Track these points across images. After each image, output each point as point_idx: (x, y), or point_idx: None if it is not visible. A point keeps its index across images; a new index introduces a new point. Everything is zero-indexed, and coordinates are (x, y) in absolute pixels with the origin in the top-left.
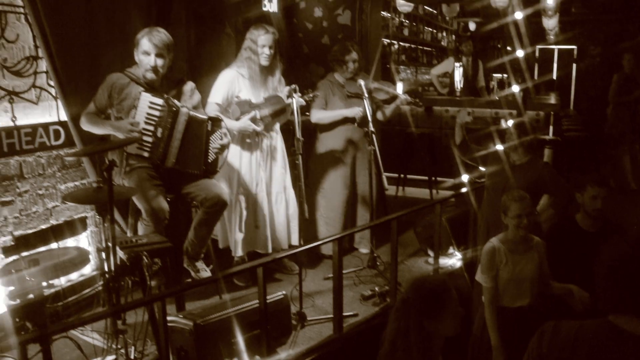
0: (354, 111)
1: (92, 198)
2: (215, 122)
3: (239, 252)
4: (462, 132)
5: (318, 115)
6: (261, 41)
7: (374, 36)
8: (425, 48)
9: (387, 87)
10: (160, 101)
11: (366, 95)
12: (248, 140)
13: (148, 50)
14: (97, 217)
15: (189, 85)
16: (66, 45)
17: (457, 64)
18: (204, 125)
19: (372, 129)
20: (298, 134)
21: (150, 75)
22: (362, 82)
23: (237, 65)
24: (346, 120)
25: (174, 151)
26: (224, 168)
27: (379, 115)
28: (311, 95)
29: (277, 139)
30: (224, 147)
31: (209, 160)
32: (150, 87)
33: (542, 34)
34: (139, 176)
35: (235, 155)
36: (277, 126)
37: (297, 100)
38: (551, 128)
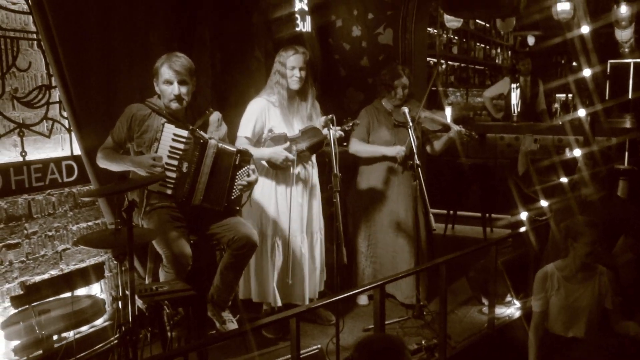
0: (396, 150)
1: (109, 242)
2: (244, 155)
3: (277, 301)
4: (527, 161)
5: (356, 148)
6: (290, 62)
7: (420, 56)
8: (477, 67)
9: (438, 117)
10: (185, 133)
11: (410, 124)
12: (282, 174)
13: (170, 78)
14: (113, 261)
15: (215, 115)
16: (82, 73)
17: (513, 85)
18: (233, 158)
19: (417, 161)
20: (335, 169)
21: (175, 105)
22: (405, 110)
23: (267, 93)
24: (386, 159)
25: (202, 187)
26: (256, 206)
27: (430, 148)
28: (350, 124)
29: (313, 173)
30: (250, 184)
31: (232, 197)
32: (173, 118)
33: (615, 47)
34: (160, 217)
35: (269, 192)
36: (314, 158)
37: (334, 132)
38: (626, 156)
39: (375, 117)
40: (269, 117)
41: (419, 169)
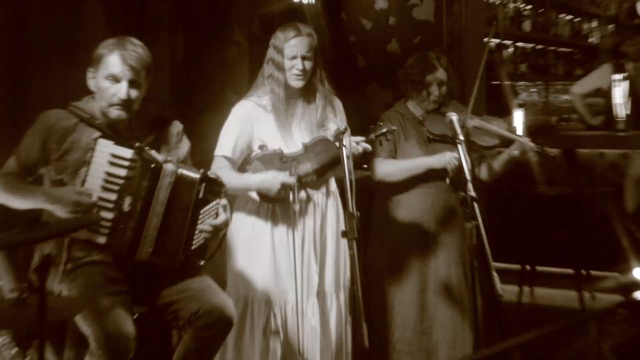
0: (445, 159)
1: (8, 319)
2: (211, 185)
3: None
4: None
5: (387, 169)
6: (290, 48)
7: (473, 37)
8: (561, 50)
9: (494, 126)
10: (129, 153)
11: (461, 137)
12: (282, 210)
13: (118, 74)
14: (12, 349)
15: (174, 127)
16: None
17: (617, 76)
18: (194, 189)
19: (472, 192)
20: (351, 205)
21: (117, 113)
22: (453, 117)
23: (256, 93)
24: (430, 177)
25: (152, 234)
26: (241, 258)
27: (482, 172)
28: (383, 130)
29: (328, 207)
30: (217, 230)
31: (193, 247)
32: (112, 131)
33: None
34: (88, 279)
35: (262, 236)
36: (332, 182)
37: (350, 147)
38: None
39: (400, 127)
40: (258, 128)
41: (476, 203)
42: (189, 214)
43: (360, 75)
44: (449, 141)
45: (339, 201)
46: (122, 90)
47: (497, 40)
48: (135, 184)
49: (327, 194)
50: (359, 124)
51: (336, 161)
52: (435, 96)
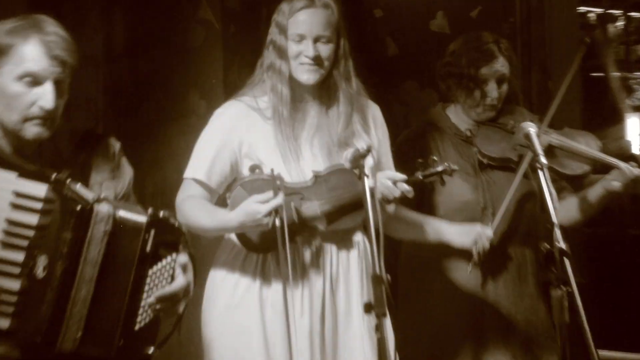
0: (471, 236)
1: None
2: (164, 231)
3: None
4: None
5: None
6: (296, 25)
7: (561, 6)
8: None
9: (582, 145)
10: (41, 190)
11: (544, 160)
12: (274, 261)
13: (40, 71)
14: None
15: (110, 148)
16: None
17: None
18: (138, 239)
19: (562, 243)
20: (379, 265)
21: (35, 131)
22: (531, 130)
23: (252, 92)
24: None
25: (81, 311)
26: (218, 348)
27: (564, 213)
28: (438, 169)
29: (352, 263)
30: (174, 299)
31: (137, 328)
32: (18, 156)
33: None
34: None
35: (248, 310)
36: (358, 233)
37: (371, 184)
38: None
39: (437, 145)
40: (250, 141)
41: (567, 258)
42: (131, 277)
43: (391, 67)
44: (513, 168)
45: (369, 257)
46: (47, 95)
47: (599, 10)
48: (52, 237)
49: (348, 245)
50: (390, 141)
51: (359, 204)
52: (493, 98)
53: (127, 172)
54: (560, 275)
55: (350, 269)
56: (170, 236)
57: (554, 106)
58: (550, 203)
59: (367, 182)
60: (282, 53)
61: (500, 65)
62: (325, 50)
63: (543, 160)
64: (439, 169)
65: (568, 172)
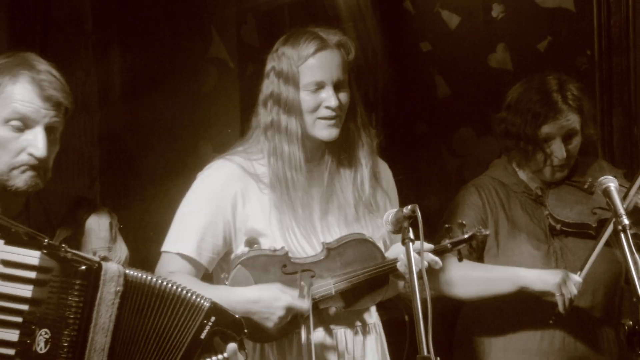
0: (556, 279)
1: None
2: (224, 322)
3: None
4: None
5: (460, 276)
6: (311, 72)
7: None
8: None
9: None
10: (34, 258)
11: (626, 221)
12: (274, 355)
13: (32, 114)
14: None
15: (103, 219)
16: None
17: None
18: (195, 320)
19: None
20: (426, 346)
21: (28, 180)
22: (612, 185)
23: (245, 150)
24: (552, 303)
25: None
26: None
27: None
28: (466, 236)
29: (368, 349)
30: None
31: None
32: (4, 218)
33: None
34: None
35: None
36: (372, 310)
37: (416, 253)
38: None
39: (500, 207)
40: (245, 213)
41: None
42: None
43: (442, 111)
44: (591, 234)
45: (383, 340)
46: (38, 142)
47: None
48: (53, 306)
49: (364, 330)
50: (440, 199)
51: (382, 279)
52: (560, 159)
53: (123, 249)
54: None
55: (366, 356)
56: (230, 330)
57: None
58: (634, 272)
59: (412, 252)
60: (290, 108)
61: (566, 119)
62: (344, 98)
63: (625, 221)
64: (468, 235)
65: None
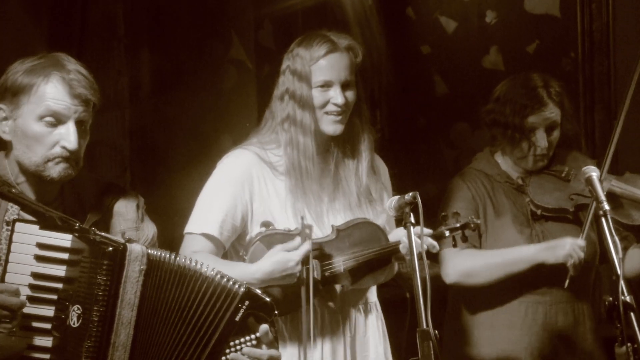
0: (564, 250)
1: None
2: (257, 305)
3: None
4: None
5: (468, 265)
6: (321, 72)
7: (630, 39)
8: None
9: None
10: (66, 240)
11: (607, 206)
12: (289, 331)
13: (63, 111)
14: None
15: (131, 202)
16: None
17: None
18: (232, 304)
19: (626, 296)
20: (426, 320)
21: (60, 170)
22: (594, 175)
23: (260, 141)
24: (539, 279)
25: (122, 358)
26: None
27: (627, 265)
28: (460, 223)
29: (370, 327)
30: None
31: None
32: (39, 204)
33: None
34: None
35: None
36: (372, 291)
37: (417, 237)
38: None
39: (487, 196)
40: (261, 196)
41: (632, 312)
42: (213, 336)
43: (440, 108)
44: (569, 219)
45: (382, 318)
46: (69, 135)
47: None
48: (85, 284)
49: (366, 309)
50: (438, 188)
51: (385, 260)
52: (542, 148)
53: (150, 227)
54: (626, 331)
55: (367, 332)
56: (262, 313)
57: (611, 149)
58: (614, 253)
59: (412, 236)
60: (304, 103)
61: (550, 112)
62: (350, 96)
63: (606, 206)
64: (461, 223)
65: (630, 222)
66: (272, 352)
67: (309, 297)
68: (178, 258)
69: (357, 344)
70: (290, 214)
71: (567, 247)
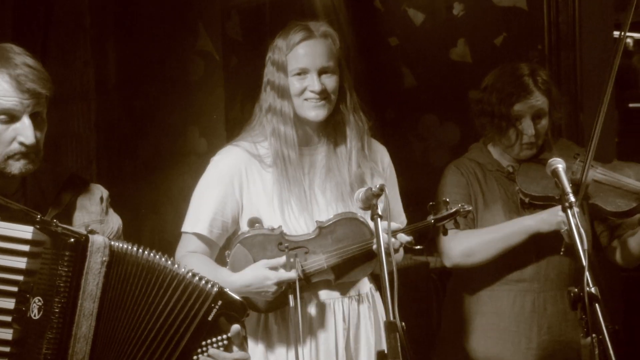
0: (556, 218)
1: None
2: (229, 306)
3: None
4: None
5: (466, 244)
6: (297, 60)
7: (595, 32)
8: None
9: (631, 180)
10: (27, 232)
11: (572, 198)
12: (277, 324)
13: (15, 107)
14: None
15: (99, 192)
16: None
17: None
18: (204, 304)
19: (591, 288)
20: (392, 312)
21: (20, 166)
22: (559, 166)
23: (250, 137)
24: (524, 268)
25: (83, 350)
26: None
27: (617, 254)
28: (451, 211)
29: (362, 317)
30: None
31: None
32: (1, 196)
33: None
34: None
35: None
36: (365, 283)
37: (386, 238)
38: None
39: (477, 184)
40: (250, 192)
41: (597, 303)
42: (185, 337)
43: (408, 100)
44: (556, 205)
45: (377, 309)
46: (26, 130)
47: (637, 35)
48: (46, 276)
49: (358, 299)
50: (406, 180)
51: (369, 254)
52: (530, 136)
53: (115, 220)
54: (590, 322)
55: (360, 323)
56: (234, 313)
57: (594, 142)
58: (579, 244)
59: (380, 224)
60: (282, 92)
61: (536, 99)
62: (330, 82)
63: (572, 198)
64: (452, 211)
65: (616, 209)
66: (242, 354)
67: (297, 307)
68: (145, 252)
69: (350, 335)
70: (277, 204)
71: (559, 214)
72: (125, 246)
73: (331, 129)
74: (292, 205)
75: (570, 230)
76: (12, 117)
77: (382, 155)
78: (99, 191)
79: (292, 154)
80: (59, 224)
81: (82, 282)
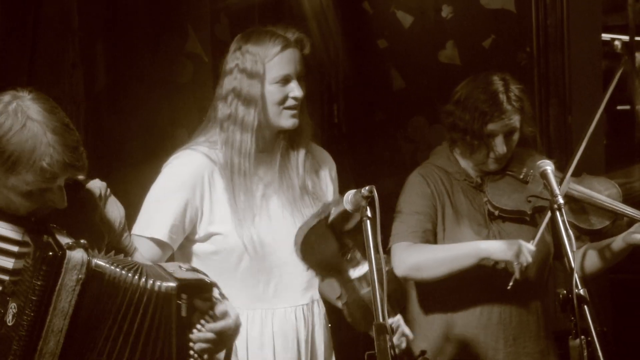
0: (513, 248)
1: None
2: (195, 290)
3: None
4: None
5: (416, 258)
6: (278, 68)
7: (583, 34)
8: None
9: (603, 196)
10: (17, 233)
11: (561, 200)
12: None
13: None
14: None
15: (94, 189)
16: None
17: None
18: (171, 306)
19: (580, 289)
20: (382, 314)
21: None
22: (548, 168)
23: (208, 140)
24: (490, 279)
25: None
26: None
27: (590, 261)
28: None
29: (317, 324)
30: (223, 336)
31: None
32: None
33: None
34: None
35: None
36: (315, 302)
37: (378, 233)
38: None
39: (445, 195)
40: (211, 199)
41: (586, 305)
42: (173, 344)
43: (397, 102)
44: (526, 220)
45: (324, 314)
46: None
47: (625, 38)
48: (25, 284)
49: (315, 307)
50: (394, 182)
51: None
52: (500, 153)
53: (116, 209)
54: (579, 324)
55: (315, 331)
56: (203, 293)
57: (579, 152)
58: (568, 247)
59: (369, 226)
60: (249, 101)
61: (509, 119)
62: (303, 88)
63: (560, 200)
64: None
65: (588, 226)
66: (226, 321)
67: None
68: (119, 269)
69: (314, 344)
70: (228, 214)
71: (516, 246)
72: (104, 264)
73: (287, 134)
74: (239, 213)
75: (559, 232)
76: None
77: (324, 160)
78: (96, 186)
79: (245, 162)
80: (53, 227)
81: (53, 299)
